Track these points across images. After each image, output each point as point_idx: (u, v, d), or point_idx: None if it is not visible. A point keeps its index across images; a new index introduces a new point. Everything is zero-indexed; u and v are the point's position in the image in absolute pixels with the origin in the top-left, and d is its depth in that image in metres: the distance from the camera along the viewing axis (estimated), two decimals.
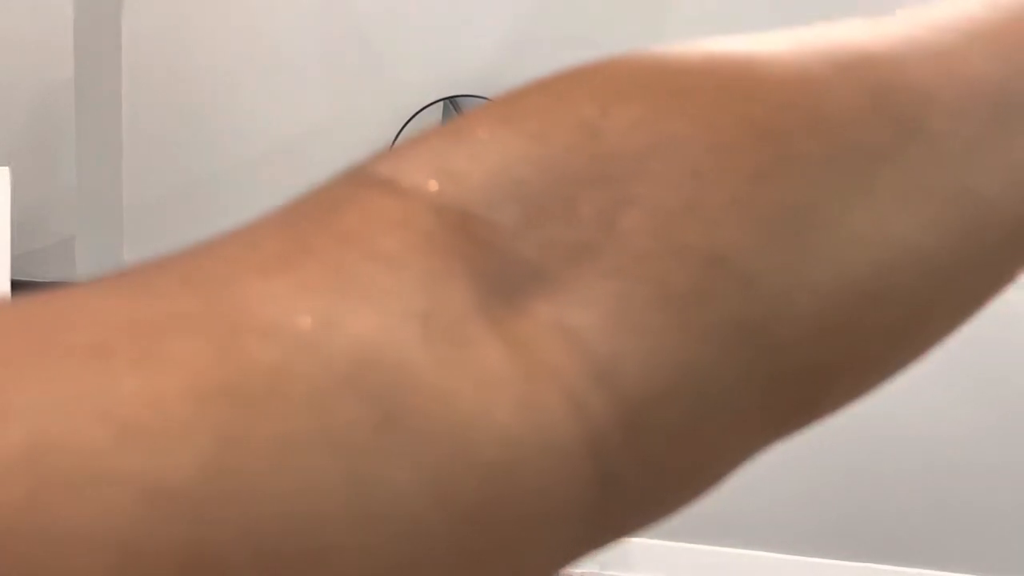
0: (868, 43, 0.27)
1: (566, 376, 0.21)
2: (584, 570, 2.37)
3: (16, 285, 2.18)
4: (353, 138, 2.46)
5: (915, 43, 0.27)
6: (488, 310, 0.21)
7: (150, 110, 2.56)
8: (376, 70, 2.51)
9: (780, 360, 0.23)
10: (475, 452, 0.20)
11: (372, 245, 0.21)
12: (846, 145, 0.25)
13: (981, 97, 0.27)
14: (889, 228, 0.25)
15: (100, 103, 2.55)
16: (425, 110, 2.48)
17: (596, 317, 0.22)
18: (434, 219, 0.22)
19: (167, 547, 0.17)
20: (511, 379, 0.21)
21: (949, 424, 2.42)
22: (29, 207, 2.51)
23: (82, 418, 0.17)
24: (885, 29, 0.27)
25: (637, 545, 2.48)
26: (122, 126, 2.57)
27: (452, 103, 2.48)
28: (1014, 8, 0.29)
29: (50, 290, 0.19)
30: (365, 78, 2.52)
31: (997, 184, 0.26)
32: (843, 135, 0.25)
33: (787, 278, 0.23)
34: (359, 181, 0.23)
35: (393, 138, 2.41)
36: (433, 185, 0.22)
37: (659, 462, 0.23)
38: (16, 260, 2.25)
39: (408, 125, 2.47)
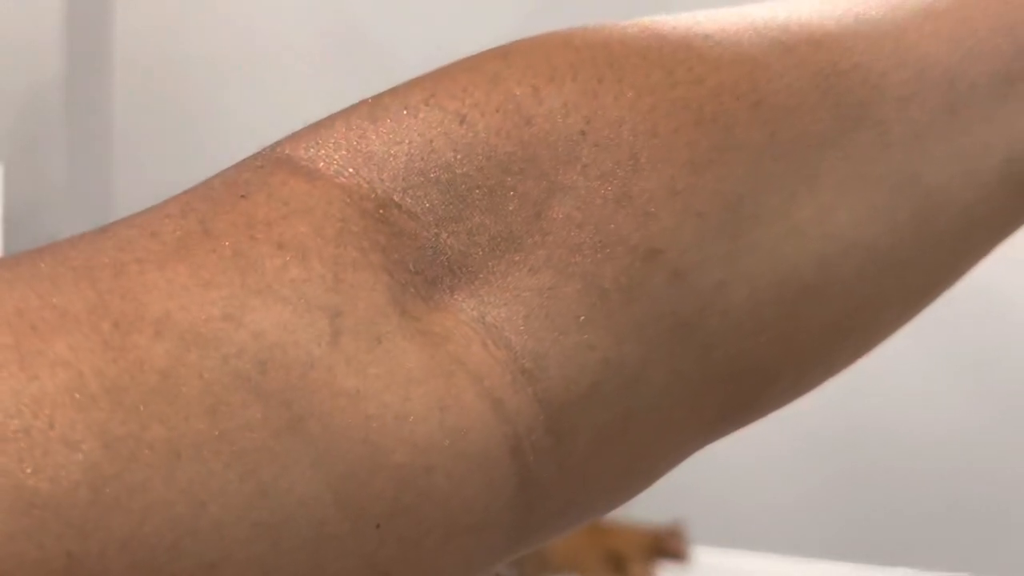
0: (816, 21, 0.25)
1: (486, 375, 0.20)
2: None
3: None
4: None
5: (865, 22, 0.26)
6: (404, 304, 0.20)
7: (142, 108, 2.55)
8: (372, 69, 2.49)
9: (714, 358, 0.22)
10: (385, 456, 0.19)
11: (280, 233, 0.20)
12: (789, 132, 0.23)
13: (931, 82, 0.25)
14: (832, 219, 0.23)
15: (91, 101, 2.54)
16: None
17: (519, 313, 0.21)
18: (349, 206, 0.21)
19: (37, 561, 0.16)
20: (426, 378, 0.20)
21: (957, 428, 2.40)
22: (20, 205, 2.50)
23: None
24: (836, 5, 0.26)
25: None
26: (113, 124, 2.56)
27: None
28: None
29: None
30: (360, 77, 2.51)
31: (946, 173, 0.25)
32: (786, 121, 0.23)
33: (723, 272, 0.22)
34: (271, 163, 0.21)
35: None
36: (349, 169, 0.21)
37: (585, 465, 0.21)
38: None
39: None
